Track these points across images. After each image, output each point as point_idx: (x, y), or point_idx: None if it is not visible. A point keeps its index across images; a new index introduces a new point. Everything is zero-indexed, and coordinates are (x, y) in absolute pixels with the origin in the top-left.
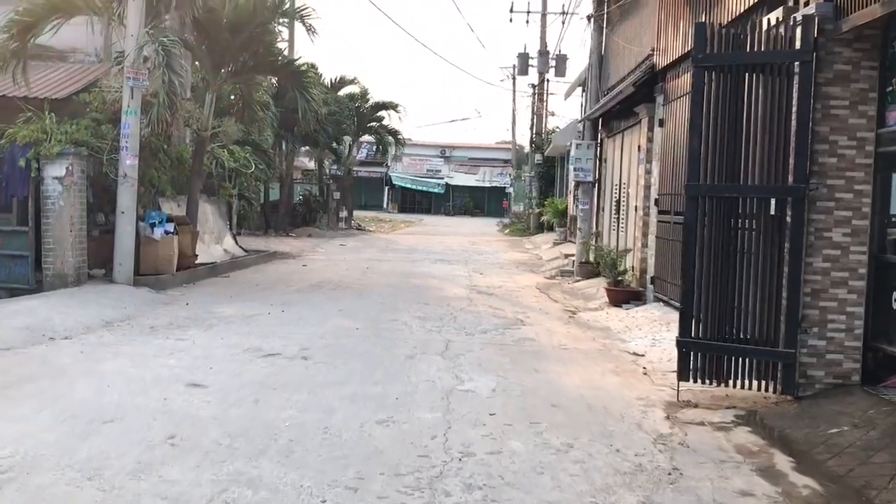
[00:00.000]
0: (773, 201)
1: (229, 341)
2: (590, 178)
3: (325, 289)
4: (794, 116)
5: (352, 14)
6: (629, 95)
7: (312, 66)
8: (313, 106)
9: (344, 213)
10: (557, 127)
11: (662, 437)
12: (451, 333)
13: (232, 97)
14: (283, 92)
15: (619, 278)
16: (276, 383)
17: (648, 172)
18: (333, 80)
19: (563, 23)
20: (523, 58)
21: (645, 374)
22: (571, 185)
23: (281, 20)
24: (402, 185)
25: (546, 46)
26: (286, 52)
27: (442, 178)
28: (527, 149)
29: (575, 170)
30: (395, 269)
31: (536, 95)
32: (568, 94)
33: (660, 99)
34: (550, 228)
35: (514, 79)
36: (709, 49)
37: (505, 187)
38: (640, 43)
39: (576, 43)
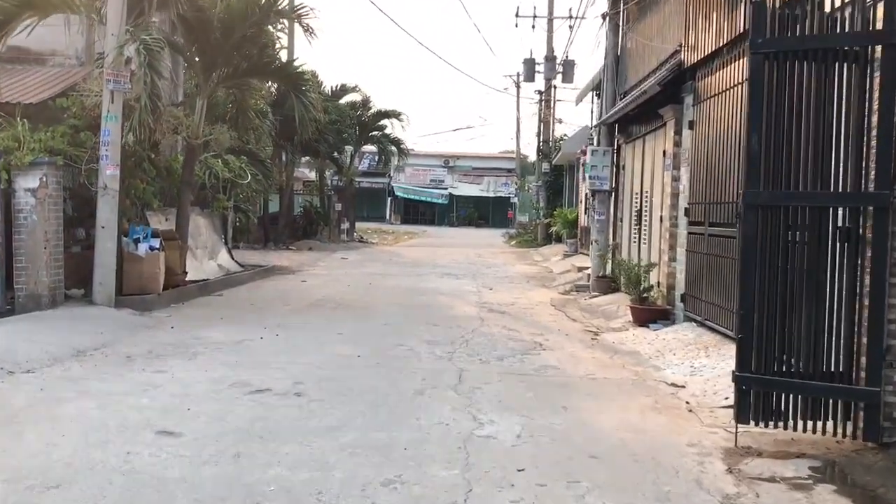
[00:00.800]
0: (844, 211)
1: (214, 374)
2: (606, 187)
3: (324, 308)
4: (874, 111)
5: (352, 19)
6: (652, 97)
7: (313, 73)
8: (312, 111)
9: (346, 225)
10: (565, 135)
11: (730, 500)
12: (463, 361)
13: (229, 105)
14: (282, 100)
15: (645, 295)
16: (264, 430)
17: (676, 179)
18: (334, 88)
19: (571, 27)
20: (529, 64)
21: (690, 411)
22: (582, 194)
23: (277, 21)
24: (405, 195)
25: (553, 52)
26: (285, 57)
27: (445, 189)
28: (530, 158)
29: (590, 178)
30: (400, 285)
31: (543, 102)
32: (580, 99)
33: (689, 99)
34: (559, 239)
35: (518, 86)
36: (768, 33)
37: (509, 197)
38: (662, 40)
39: (585, 48)
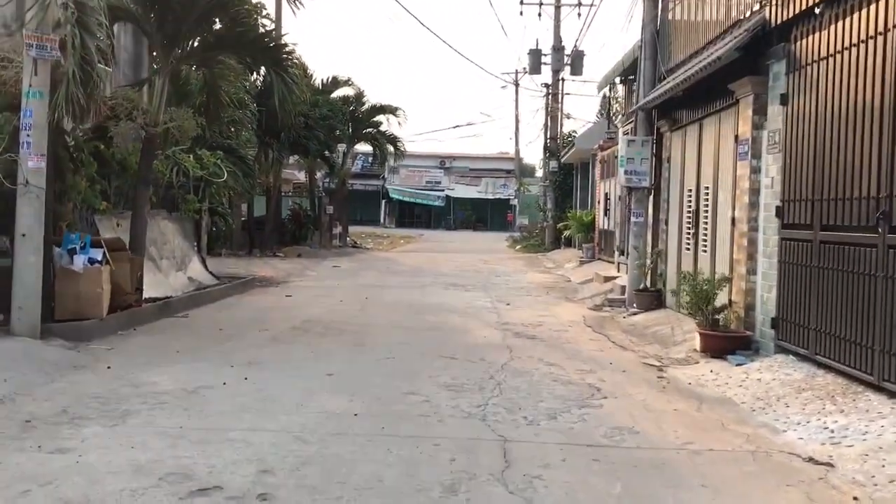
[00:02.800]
0: None
1: (142, 454)
2: (645, 183)
3: (310, 334)
4: None
5: (344, 5)
6: (716, 71)
7: (302, 64)
8: (295, 93)
9: (338, 230)
10: (574, 131)
11: None
12: (503, 421)
13: (200, 88)
14: (267, 92)
15: (716, 317)
16: None
17: (756, 171)
18: (325, 81)
19: (580, 15)
20: (535, 54)
21: None
22: (601, 194)
23: None
24: (400, 198)
25: (561, 41)
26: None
27: (442, 191)
28: (527, 160)
29: (626, 173)
30: (402, 300)
31: (550, 95)
32: (602, 86)
33: (778, 67)
34: (568, 243)
35: (517, 84)
36: None
37: (509, 199)
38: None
39: (596, 37)
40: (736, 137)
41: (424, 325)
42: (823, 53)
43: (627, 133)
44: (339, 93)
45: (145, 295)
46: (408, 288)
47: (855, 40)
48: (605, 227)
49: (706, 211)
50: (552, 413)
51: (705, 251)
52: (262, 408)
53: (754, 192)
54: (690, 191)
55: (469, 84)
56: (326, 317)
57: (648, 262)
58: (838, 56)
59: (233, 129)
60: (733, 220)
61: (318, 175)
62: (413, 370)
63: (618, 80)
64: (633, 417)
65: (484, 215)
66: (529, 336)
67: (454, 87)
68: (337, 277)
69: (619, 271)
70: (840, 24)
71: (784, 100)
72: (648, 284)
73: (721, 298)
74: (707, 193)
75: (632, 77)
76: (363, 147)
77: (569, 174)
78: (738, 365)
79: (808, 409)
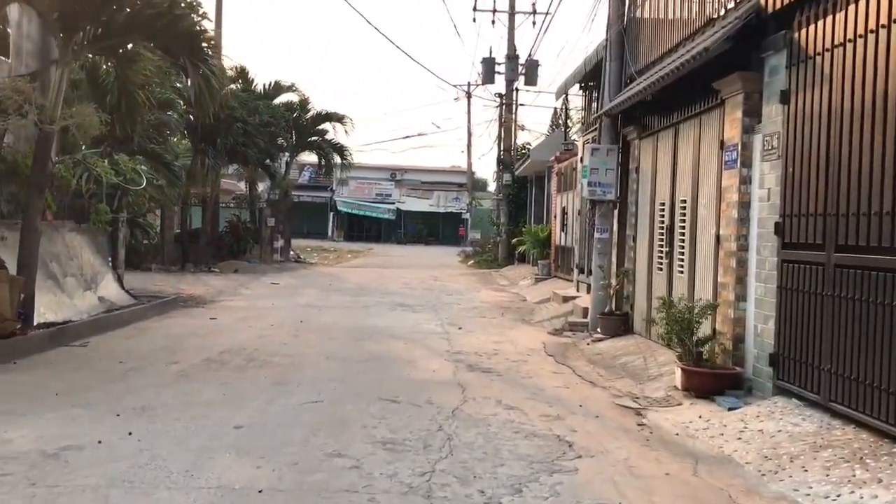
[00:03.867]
0: None
1: None
2: (610, 196)
3: (228, 367)
4: None
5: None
6: (698, 67)
7: (242, 69)
8: (215, 86)
9: (280, 243)
10: (528, 143)
11: None
12: (452, 499)
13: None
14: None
15: (699, 349)
16: None
17: (746, 182)
18: (267, 87)
19: (535, 23)
20: (489, 63)
21: None
22: (557, 208)
23: None
24: (349, 210)
25: (515, 50)
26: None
27: (392, 203)
28: (479, 174)
29: (589, 184)
30: (341, 323)
31: (504, 106)
32: (561, 92)
33: (777, 59)
34: (523, 259)
35: (468, 96)
36: None
37: (461, 213)
38: None
39: (552, 47)
40: (721, 143)
41: (364, 356)
42: (836, 41)
43: (589, 142)
44: (281, 99)
45: (41, 319)
46: (350, 308)
47: (874, 25)
48: (563, 243)
49: (683, 227)
50: (516, 483)
51: (682, 272)
52: (139, 479)
53: (744, 205)
54: (663, 204)
55: (421, 95)
56: (251, 344)
57: (614, 282)
58: (854, 43)
59: (161, 134)
60: (718, 237)
61: (262, 186)
62: (343, 418)
63: (577, 87)
64: (616, 487)
65: (435, 229)
66: (484, 369)
67: (406, 98)
68: (273, 296)
69: (578, 290)
70: (856, 5)
71: (784, 97)
72: (614, 307)
73: (704, 328)
74: (684, 207)
75: (592, 84)
76: (310, 158)
77: (523, 187)
78: (730, 409)
79: (835, 476)
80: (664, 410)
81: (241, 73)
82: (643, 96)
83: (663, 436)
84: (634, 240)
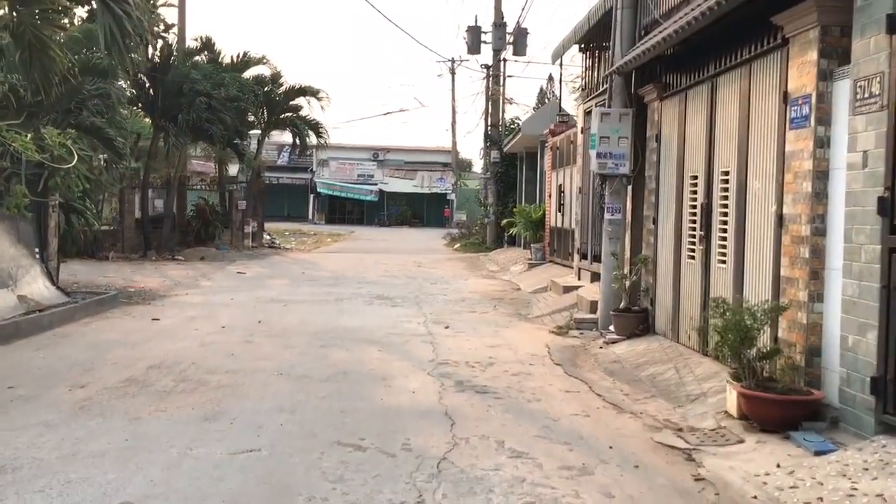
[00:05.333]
0: None
1: None
2: (624, 169)
3: (149, 392)
4: None
5: None
6: (741, 5)
7: (207, 39)
8: (130, 31)
9: (251, 228)
10: (517, 118)
11: None
12: None
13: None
14: (163, 66)
15: (759, 364)
16: None
17: (823, 145)
18: (235, 59)
19: None
20: (474, 32)
21: None
22: (552, 187)
23: None
24: (330, 192)
25: (502, 17)
26: (176, 25)
27: (375, 185)
28: (463, 154)
29: (599, 156)
30: (307, 323)
31: (491, 78)
32: (559, 54)
33: None
34: (513, 242)
35: (452, 73)
36: None
37: (446, 194)
38: None
39: (541, 16)
40: (784, 95)
41: (327, 371)
42: None
43: (592, 109)
44: (252, 72)
45: None
46: (321, 303)
47: None
48: (559, 224)
49: (725, 205)
50: None
51: (723, 263)
52: None
53: (820, 175)
54: (695, 178)
55: (403, 70)
56: (189, 356)
57: (630, 272)
58: None
59: (107, 107)
60: (780, 218)
61: (235, 167)
62: (284, 484)
63: (577, 48)
64: None
65: (420, 210)
66: (479, 388)
67: (387, 72)
68: (235, 289)
69: (580, 279)
70: None
71: (892, 24)
72: (629, 303)
73: (763, 337)
74: (727, 181)
75: (593, 45)
76: (285, 137)
77: (512, 165)
78: (817, 454)
79: None
80: (723, 453)
81: (207, 44)
82: (669, 45)
83: (736, 500)
84: (655, 222)
